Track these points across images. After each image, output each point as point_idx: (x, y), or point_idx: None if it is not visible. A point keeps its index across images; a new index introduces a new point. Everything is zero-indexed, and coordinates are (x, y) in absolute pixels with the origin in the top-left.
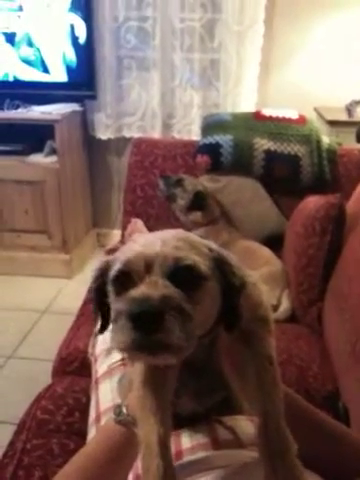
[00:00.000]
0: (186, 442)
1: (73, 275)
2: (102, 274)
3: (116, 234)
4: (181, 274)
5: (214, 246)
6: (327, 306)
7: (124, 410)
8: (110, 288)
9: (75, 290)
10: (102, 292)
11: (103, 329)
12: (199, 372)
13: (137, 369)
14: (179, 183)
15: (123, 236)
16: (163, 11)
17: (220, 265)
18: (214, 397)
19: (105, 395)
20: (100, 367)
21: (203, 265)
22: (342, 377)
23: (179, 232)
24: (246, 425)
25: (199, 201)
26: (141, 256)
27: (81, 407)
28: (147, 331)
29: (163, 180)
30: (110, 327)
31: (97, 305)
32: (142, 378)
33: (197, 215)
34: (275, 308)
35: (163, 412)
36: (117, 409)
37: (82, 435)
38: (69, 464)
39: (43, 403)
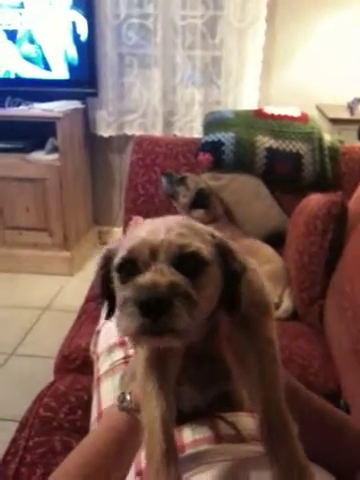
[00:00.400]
0: (188, 436)
1: (74, 272)
2: (106, 262)
3: (117, 231)
4: (185, 260)
5: (216, 233)
6: (329, 304)
7: (128, 397)
8: (115, 275)
9: (76, 287)
10: (107, 279)
11: (110, 315)
12: (200, 360)
13: (139, 358)
14: (182, 181)
15: (124, 233)
16: (164, 8)
17: (222, 251)
18: (215, 388)
19: (107, 393)
20: (102, 365)
21: (206, 251)
22: (344, 375)
23: (183, 218)
24: (247, 421)
25: (201, 199)
26: (146, 243)
27: (83, 405)
28: (155, 317)
29: (166, 178)
30: (116, 316)
31: (103, 292)
32: (144, 365)
33: (199, 213)
34: (276, 306)
35: (166, 396)
36: (121, 396)
37: (84, 433)
38: (74, 452)
39: (45, 400)
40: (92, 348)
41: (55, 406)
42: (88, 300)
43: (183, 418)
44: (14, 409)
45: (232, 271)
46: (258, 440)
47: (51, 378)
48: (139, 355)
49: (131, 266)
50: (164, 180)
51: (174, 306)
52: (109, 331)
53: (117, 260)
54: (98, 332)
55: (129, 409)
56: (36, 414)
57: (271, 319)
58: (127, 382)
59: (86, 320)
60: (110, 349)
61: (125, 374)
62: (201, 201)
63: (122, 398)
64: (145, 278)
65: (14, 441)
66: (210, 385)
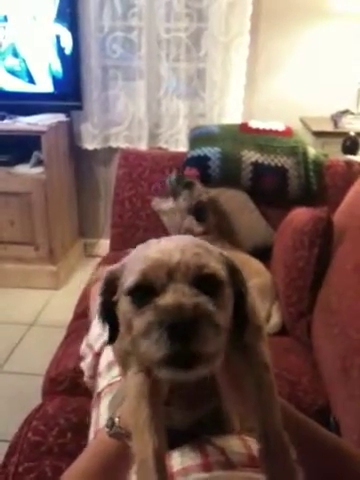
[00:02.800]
0: (177, 463)
1: (60, 286)
2: (110, 285)
3: (103, 243)
4: (203, 281)
5: (224, 253)
6: (316, 319)
7: (116, 422)
8: (125, 299)
9: (63, 301)
10: (110, 303)
11: (112, 340)
12: (188, 383)
13: (129, 384)
14: (189, 185)
15: (111, 244)
16: (149, 21)
17: (230, 270)
18: (203, 407)
19: (105, 412)
20: (101, 382)
21: (222, 271)
22: (332, 392)
23: (193, 238)
24: (236, 445)
25: (199, 211)
26: (161, 265)
27: (72, 427)
28: (184, 341)
29: (176, 176)
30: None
31: (105, 317)
32: (135, 393)
33: (193, 222)
34: (265, 321)
35: (157, 425)
36: (109, 421)
37: (74, 456)
38: (64, 477)
39: (34, 424)
40: (88, 372)
41: (44, 430)
42: (75, 318)
43: (171, 437)
44: (1, 427)
45: (239, 291)
46: (248, 466)
47: (39, 396)
48: (129, 381)
49: (145, 291)
50: (173, 177)
51: (202, 329)
52: (109, 349)
53: (129, 284)
54: (98, 354)
55: (118, 434)
56: (25, 438)
57: (265, 343)
58: (115, 406)
59: (74, 340)
60: (109, 366)
61: (115, 396)
62: (198, 212)
63: (111, 423)
64: (167, 300)
65: (4, 467)
66: (198, 405)
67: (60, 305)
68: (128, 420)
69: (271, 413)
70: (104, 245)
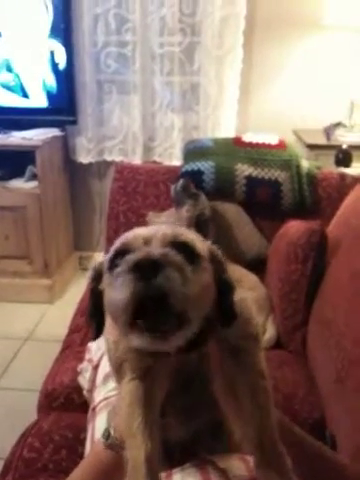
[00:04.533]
0: None
1: (55, 300)
2: (97, 275)
3: (98, 257)
4: (179, 248)
5: (208, 242)
6: (311, 332)
7: (112, 432)
8: (106, 275)
9: (58, 315)
10: (97, 295)
11: (97, 335)
12: (186, 390)
13: (123, 391)
14: (194, 196)
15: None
16: (142, 36)
17: (213, 259)
18: (200, 419)
19: (101, 426)
20: (98, 396)
21: (200, 245)
22: (328, 405)
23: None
24: (238, 467)
25: (199, 223)
26: (139, 235)
27: (67, 444)
28: (148, 277)
29: (183, 185)
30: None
31: (93, 310)
32: (128, 400)
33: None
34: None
35: (150, 433)
36: (105, 432)
37: (69, 473)
38: None
39: (29, 441)
40: (87, 385)
41: (39, 446)
42: (71, 332)
43: (168, 449)
44: None
45: (223, 282)
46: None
47: (34, 411)
48: (123, 388)
49: (122, 258)
50: (180, 184)
51: (166, 268)
52: (105, 361)
53: (109, 254)
54: (96, 367)
55: (114, 445)
56: (20, 456)
57: (261, 350)
58: (111, 417)
59: (68, 355)
60: (105, 379)
61: (112, 410)
62: (199, 224)
63: (107, 434)
64: (137, 253)
65: None
66: (195, 415)
67: (55, 319)
68: (122, 426)
69: (266, 421)
70: (99, 258)
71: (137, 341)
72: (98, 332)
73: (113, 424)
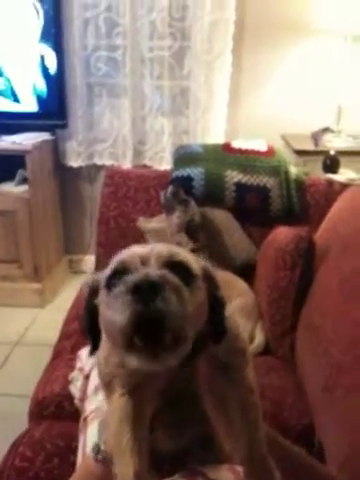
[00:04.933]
0: None
1: (45, 304)
2: (93, 292)
3: (88, 259)
4: (175, 268)
5: (201, 260)
6: (299, 338)
7: (102, 447)
8: (102, 293)
9: (48, 319)
10: (92, 312)
11: (93, 351)
12: (175, 405)
13: (113, 407)
14: (184, 202)
15: (96, 264)
16: (133, 39)
17: (207, 276)
18: (189, 432)
19: (92, 436)
20: (89, 406)
21: (195, 264)
22: (316, 412)
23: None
24: (228, 477)
25: (190, 229)
26: (135, 254)
27: (59, 452)
28: (147, 299)
29: (173, 190)
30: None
31: (88, 326)
32: (118, 416)
33: (184, 239)
34: (249, 340)
35: (139, 449)
36: (95, 447)
37: None
38: None
39: (21, 450)
40: (78, 394)
41: (31, 455)
42: (61, 338)
43: (158, 460)
44: None
45: (215, 298)
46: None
47: (26, 418)
48: (113, 404)
49: (119, 277)
50: (170, 190)
51: (165, 290)
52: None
53: (106, 272)
54: (87, 377)
55: (104, 460)
56: (12, 465)
57: (249, 365)
58: (102, 430)
59: (59, 363)
60: (96, 389)
61: (102, 422)
62: (190, 230)
63: (97, 449)
64: (136, 275)
65: None
66: (185, 430)
67: (46, 323)
68: (111, 442)
69: (255, 436)
70: (89, 261)
71: (134, 361)
72: (94, 347)
73: (103, 439)
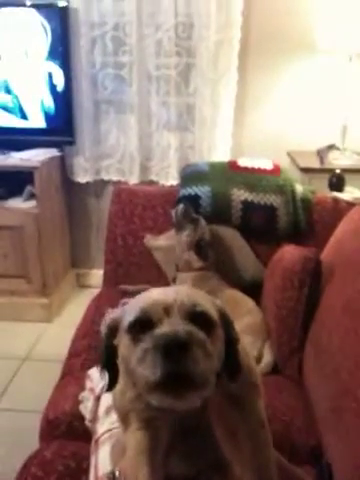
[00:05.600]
0: None
1: (53, 318)
2: (112, 332)
3: (95, 274)
4: (196, 319)
5: (217, 301)
6: (307, 358)
7: (117, 475)
8: (124, 337)
9: (56, 334)
10: (111, 350)
11: (111, 387)
12: (188, 434)
13: (130, 439)
14: (194, 221)
15: (104, 281)
16: (139, 57)
17: (223, 318)
18: (203, 460)
19: (104, 458)
20: (100, 428)
21: (214, 312)
22: (324, 433)
23: (188, 287)
24: None
25: (199, 248)
26: (158, 302)
27: (71, 473)
28: (178, 361)
29: (183, 210)
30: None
31: (106, 364)
32: (135, 448)
33: (192, 257)
34: (257, 360)
35: (155, 477)
36: (110, 475)
37: None
38: None
39: (33, 470)
40: (88, 415)
41: (42, 476)
42: (70, 356)
43: None
44: None
45: (230, 338)
46: None
47: (35, 433)
48: (129, 437)
49: (143, 326)
50: (181, 208)
51: (194, 352)
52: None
53: (129, 320)
54: (98, 398)
55: None
56: None
57: (261, 398)
58: (116, 457)
59: (69, 381)
60: (107, 411)
61: (114, 446)
62: (199, 248)
63: (112, 477)
64: (163, 328)
65: None
66: (198, 456)
67: (54, 338)
68: (128, 476)
69: (266, 470)
70: (96, 275)
71: (158, 401)
72: (112, 384)
73: (118, 467)
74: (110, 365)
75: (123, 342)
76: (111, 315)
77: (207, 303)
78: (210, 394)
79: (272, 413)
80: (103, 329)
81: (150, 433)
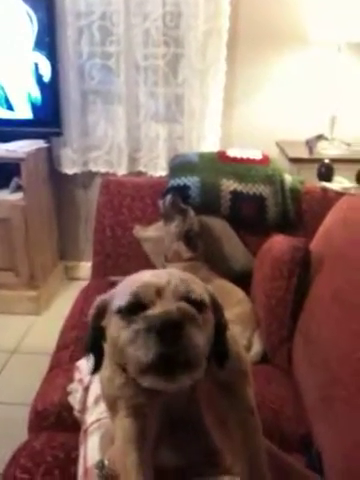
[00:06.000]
0: None
1: (42, 311)
2: (100, 313)
3: (84, 266)
4: (189, 300)
5: (208, 286)
6: (296, 347)
7: (106, 464)
8: (115, 317)
9: (45, 327)
10: (98, 332)
11: (96, 370)
12: (178, 425)
13: (118, 427)
14: (183, 212)
15: (93, 272)
16: (127, 47)
17: (213, 304)
18: (193, 450)
19: (93, 448)
20: (89, 417)
21: (205, 295)
22: (314, 422)
23: (180, 271)
24: None
25: (188, 238)
26: (151, 285)
27: (60, 463)
28: (172, 340)
29: (172, 201)
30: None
31: (92, 345)
32: (123, 436)
33: (182, 247)
34: (246, 349)
35: (144, 469)
36: (99, 463)
37: None
38: None
39: (21, 461)
40: (77, 406)
41: (31, 467)
42: (59, 348)
43: (162, 475)
44: None
45: (219, 324)
46: None
47: (24, 426)
48: (117, 425)
49: (135, 308)
50: (169, 199)
51: (188, 330)
52: (96, 383)
53: (120, 303)
54: (87, 388)
55: (107, 477)
56: (13, 477)
57: (250, 386)
58: (105, 446)
59: (58, 373)
60: (96, 400)
61: (103, 436)
62: (188, 239)
63: (101, 465)
64: (156, 309)
65: None
66: (187, 446)
67: (42, 331)
68: (117, 463)
69: (256, 458)
70: (85, 267)
71: (149, 382)
72: (97, 367)
73: (107, 456)
74: (96, 347)
75: (113, 323)
76: (100, 297)
77: (200, 288)
78: (201, 376)
79: (261, 402)
80: (91, 310)
81: (139, 421)
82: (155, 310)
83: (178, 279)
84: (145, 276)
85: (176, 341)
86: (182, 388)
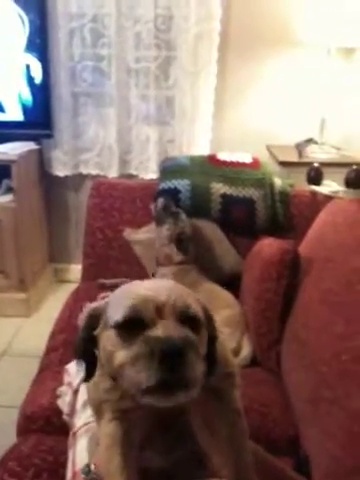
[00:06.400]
0: None
1: (31, 313)
2: (92, 322)
3: (74, 269)
4: (187, 320)
5: (200, 298)
6: (285, 350)
7: (92, 468)
8: (110, 332)
9: (34, 329)
10: (90, 340)
11: (88, 378)
12: (166, 427)
13: (104, 430)
14: (174, 215)
15: (83, 275)
16: (118, 50)
17: (206, 316)
18: (179, 451)
19: (81, 452)
20: (78, 421)
21: (201, 314)
22: (302, 425)
23: (173, 282)
24: None
25: (179, 241)
26: (150, 300)
27: (48, 467)
28: (173, 368)
29: (164, 204)
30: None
31: (83, 354)
32: (108, 439)
33: (173, 250)
34: (236, 352)
35: (129, 473)
36: (85, 468)
37: None
38: None
39: (10, 465)
40: (66, 409)
41: (20, 471)
42: (48, 351)
43: (148, 478)
44: None
45: (210, 336)
46: None
47: (12, 429)
48: (102, 429)
49: (134, 322)
50: (161, 202)
51: (188, 357)
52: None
53: (117, 318)
54: (76, 392)
55: None
56: None
57: (237, 389)
58: (93, 450)
59: (47, 376)
60: (85, 404)
61: (91, 439)
62: (180, 242)
63: (87, 470)
64: (158, 332)
65: None
66: (174, 448)
67: (32, 333)
68: (101, 467)
69: (243, 460)
70: (75, 270)
71: (147, 401)
72: (90, 375)
73: (94, 461)
74: (88, 356)
75: (108, 337)
76: (92, 305)
77: (195, 303)
78: (197, 394)
79: (250, 405)
80: (82, 319)
81: (124, 424)
82: (156, 332)
83: (176, 294)
84: (141, 288)
85: (177, 366)
86: (177, 404)
